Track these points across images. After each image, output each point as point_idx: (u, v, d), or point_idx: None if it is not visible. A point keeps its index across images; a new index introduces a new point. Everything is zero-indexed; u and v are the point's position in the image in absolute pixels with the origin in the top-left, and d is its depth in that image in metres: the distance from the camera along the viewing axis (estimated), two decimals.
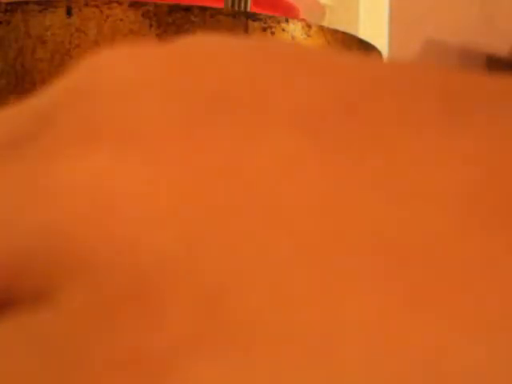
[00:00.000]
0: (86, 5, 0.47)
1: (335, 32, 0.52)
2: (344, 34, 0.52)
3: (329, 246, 0.13)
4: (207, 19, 0.47)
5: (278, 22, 0.49)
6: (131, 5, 0.47)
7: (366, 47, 0.54)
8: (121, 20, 0.47)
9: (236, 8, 0.55)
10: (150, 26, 0.47)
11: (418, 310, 0.13)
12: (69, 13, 0.47)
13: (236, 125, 0.15)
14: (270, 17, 0.49)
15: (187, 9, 0.47)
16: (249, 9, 0.56)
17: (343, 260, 0.13)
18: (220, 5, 0.56)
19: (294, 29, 0.50)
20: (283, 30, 0.49)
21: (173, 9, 0.47)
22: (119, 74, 0.16)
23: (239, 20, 0.48)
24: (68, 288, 0.14)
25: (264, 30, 0.48)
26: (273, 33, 0.49)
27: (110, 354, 0.13)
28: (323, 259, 0.13)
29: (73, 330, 0.14)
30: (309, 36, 0.50)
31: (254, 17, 0.48)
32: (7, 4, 0.48)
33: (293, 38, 0.49)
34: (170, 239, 0.14)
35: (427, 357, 0.12)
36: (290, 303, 0.13)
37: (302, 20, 0.52)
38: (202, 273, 0.13)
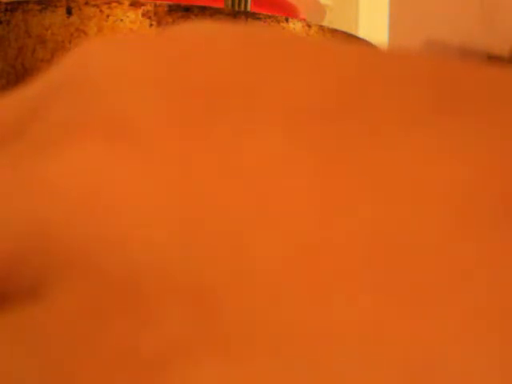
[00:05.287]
0: (86, 4, 0.47)
1: (335, 32, 0.52)
2: (344, 33, 0.52)
3: (321, 249, 0.13)
4: (207, 19, 0.47)
5: (278, 22, 0.49)
6: (131, 4, 0.47)
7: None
8: (121, 20, 0.47)
9: (236, 8, 0.55)
10: (150, 25, 0.47)
11: (413, 312, 0.12)
12: (69, 12, 0.47)
13: (229, 123, 0.15)
14: (270, 16, 0.49)
15: (187, 8, 0.47)
16: (249, 8, 0.56)
17: (336, 262, 0.13)
18: (220, 5, 0.56)
19: (294, 28, 0.50)
20: (283, 29, 0.49)
21: (173, 8, 0.47)
22: (109, 66, 0.16)
23: (239, 20, 0.48)
24: (59, 286, 0.14)
25: None
26: None
27: (100, 354, 0.13)
28: (316, 262, 0.13)
29: (62, 328, 0.13)
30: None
31: (253, 16, 0.48)
32: (7, 4, 0.48)
33: None
34: (163, 239, 0.13)
35: (424, 360, 0.12)
36: (282, 305, 0.13)
37: (302, 20, 0.52)
38: (194, 274, 0.13)
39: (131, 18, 0.47)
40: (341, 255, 0.13)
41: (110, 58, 0.16)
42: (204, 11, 0.47)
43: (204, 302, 0.13)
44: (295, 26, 0.50)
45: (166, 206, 0.14)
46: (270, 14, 0.49)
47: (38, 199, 0.14)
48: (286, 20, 0.50)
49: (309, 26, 0.50)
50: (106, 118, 0.15)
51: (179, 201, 0.14)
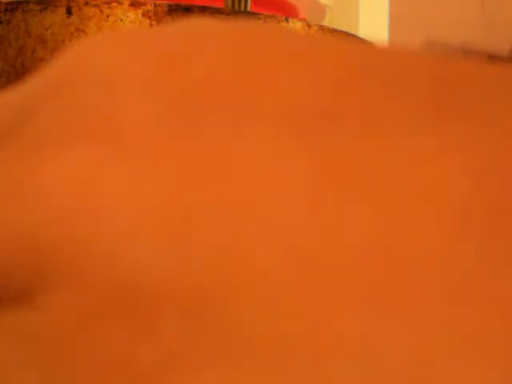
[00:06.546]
0: (86, 4, 0.47)
1: (335, 32, 0.52)
2: (344, 33, 0.52)
3: (316, 257, 0.13)
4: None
5: (278, 22, 0.49)
6: (131, 4, 0.47)
7: None
8: (121, 20, 0.47)
9: (236, 7, 0.55)
10: (150, 25, 0.47)
11: (413, 324, 0.12)
12: (69, 12, 0.47)
13: (221, 124, 0.14)
14: (270, 16, 0.49)
15: (187, 8, 0.47)
16: (249, 8, 0.56)
17: (331, 271, 0.13)
18: (220, 4, 0.56)
19: (294, 28, 0.50)
20: (281, 27, 0.49)
21: (173, 8, 0.47)
22: (103, 66, 0.16)
23: (239, 20, 0.48)
24: (54, 291, 0.14)
25: None
26: None
27: (97, 364, 0.13)
28: (311, 270, 0.13)
29: (57, 337, 0.13)
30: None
31: (253, 16, 0.48)
32: (7, 4, 0.48)
33: None
34: (158, 246, 0.13)
35: (419, 371, 0.12)
36: (279, 315, 0.13)
37: (302, 20, 0.52)
38: (191, 282, 0.13)
39: (131, 18, 0.47)
40: (338, 262, 0.13)
41: (107, 58, 0.16)
42: (204, 11, 0.47)
43: (202, 310, 0.13)
44: (295, 25, 0.50)
45: (158, 213, 0.13)
46: (270, 13, 0.49)
47: (30, 203, 0.14)
48: (286, 20, 0.50)
49: (309, 26, 0.50)
50: (97, 120, 0.15)
51: (169, 205, 0.14)
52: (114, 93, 0.15)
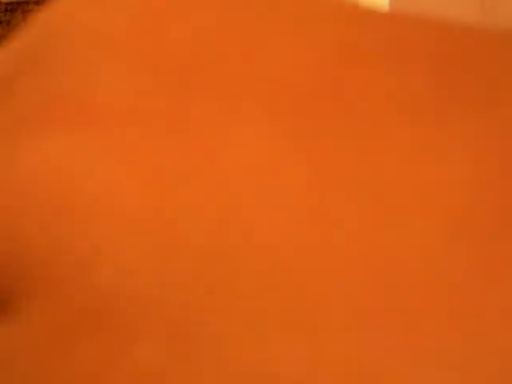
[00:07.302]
0: None
1: None
2: None
3: (308, 267, 0.12)
4: None
5: None
6: None
7: None
8: None
9: None
10: None
11: (409, 326, 0.12)
12: None
13: (210, 111, 0.14)
14: None
15: None
16: None
17: (329, 274, 0.12)
18: None
19: None
20: None
21: None
22: (80, 34, 0.15)
23: None
24: (28, 300, 0.13)
25: None
26: None
27: (69, 379, 0.13)
28: (300, 284, 0.12)
29: (28, 348, 0.13)
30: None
31: None
32: (7, 4, 0.48)
33: None
34: (138, 253, 0.13)
35: (420, 373, 0.12)
36: (260, 334, 0.12)
37: None
38: (168, 299, 0.12)
39: None
40: (337, 264, 0.12)
41: (81, 24, 0.15)
42: None
43: (177, 328, 0.12)
44: None
45: (141, 215, 0.13)
46: None
47: (5, 195, 0.13)
48: None
49: None
50: (76, 100, 0.14)
51: (157, 207, 0.13)
52: (94, 66, 0.14)
